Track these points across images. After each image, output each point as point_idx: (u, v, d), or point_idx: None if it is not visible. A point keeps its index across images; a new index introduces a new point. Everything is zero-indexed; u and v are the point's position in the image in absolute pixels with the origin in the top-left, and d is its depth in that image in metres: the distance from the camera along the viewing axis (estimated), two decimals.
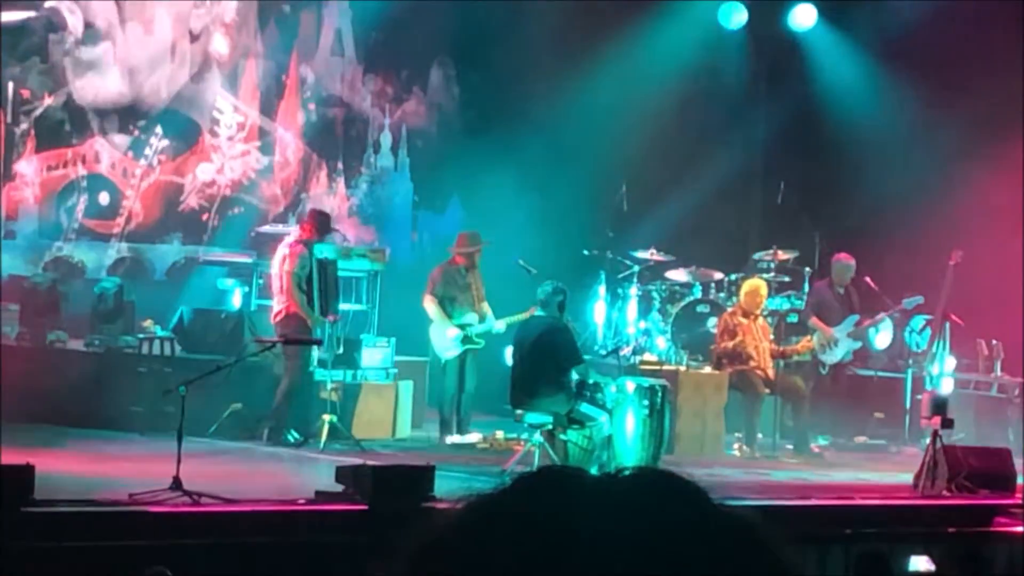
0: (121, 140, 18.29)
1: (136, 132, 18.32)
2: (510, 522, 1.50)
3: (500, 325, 15.03)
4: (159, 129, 18.36)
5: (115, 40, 18.21)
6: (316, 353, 14.56)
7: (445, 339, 15.17)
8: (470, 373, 15.22)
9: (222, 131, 18.83)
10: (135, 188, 18.27)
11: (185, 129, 18.60)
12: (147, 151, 18.32)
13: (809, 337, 16.34)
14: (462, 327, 15.12)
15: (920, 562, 10.70)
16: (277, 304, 14.61)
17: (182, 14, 18.58)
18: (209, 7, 18.73)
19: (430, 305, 15.17)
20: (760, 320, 16.05)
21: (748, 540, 1.53)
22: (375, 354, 15.45)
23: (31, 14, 17.61)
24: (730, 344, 15.84)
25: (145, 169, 18.32)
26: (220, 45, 18.88)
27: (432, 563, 1.51)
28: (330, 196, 19.67)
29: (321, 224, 14.96)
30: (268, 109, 19.30)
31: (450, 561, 1.49)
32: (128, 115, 18.30)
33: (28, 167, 17.84)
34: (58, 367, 14.81)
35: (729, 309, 16.35)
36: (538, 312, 13.69)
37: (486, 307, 15.36)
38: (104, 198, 18.21)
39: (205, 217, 18.74)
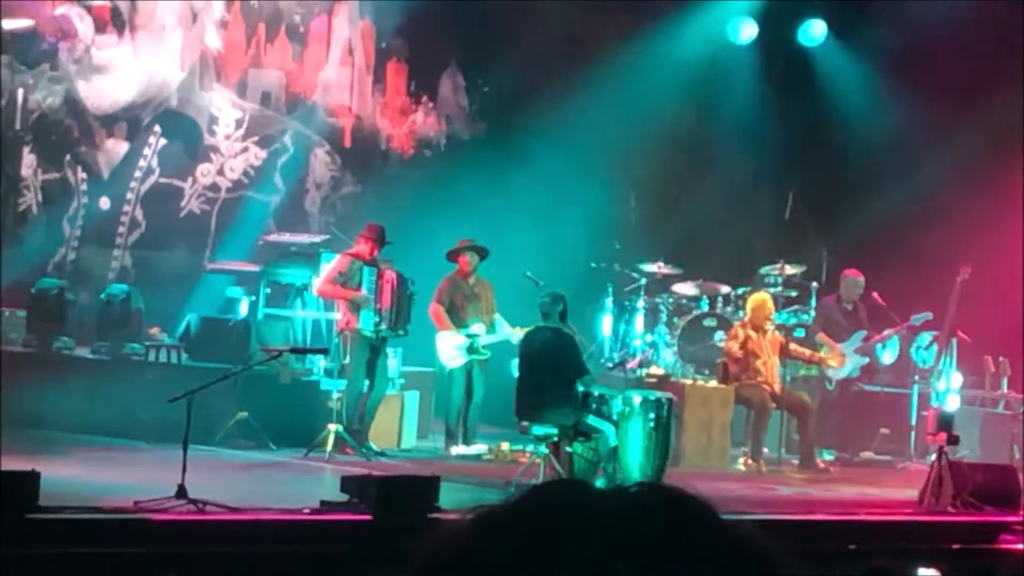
0: (126, 145, 18.29)
1: (141, 136, 18.34)
2: (517, 535, 1.50)
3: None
4: (158, 128, 18.38)
5: (124, 45, 18.22)
6: (364, 359, 14.58)
7: (450, 348, 15.15)
8: (477, 384, 15.18)
9: (220, 129, 18.82)
10: (135, 192, 18.28)
11: (185, 131, 18.60)
12: (146, 151, 18.33)
13: (826, 355, 16.31)
14: (468, 337, 15.10)
15: (928, 574, 10.65)
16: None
17: (191, 20, 18.59)
18: (221, 15, 18.74)
19: (436, 313, 15.15)
20: (769, 334, 15.95)
21: (756, 557, 1.52)
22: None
23: (31, 23, 17.59)
24: (735, 347, 15.73)
25: (145, 172, 18.33)
26: (229, 52, 18.90)
27: (438, 574, 1.50)
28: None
29: (374, 237, 14.76)
30: None
31: (456, 573, 1.49)
32: (135, 120, 18.31)
33: (34, 173, 17.85)
34: (64, 374, 14.80)
35: (740, 321, 16.29)
36: (542, 323, 13.64)
37: (498, 318, 15.31)
38: (107, 203, 18.21)
39: (211, 224, 18.74)
